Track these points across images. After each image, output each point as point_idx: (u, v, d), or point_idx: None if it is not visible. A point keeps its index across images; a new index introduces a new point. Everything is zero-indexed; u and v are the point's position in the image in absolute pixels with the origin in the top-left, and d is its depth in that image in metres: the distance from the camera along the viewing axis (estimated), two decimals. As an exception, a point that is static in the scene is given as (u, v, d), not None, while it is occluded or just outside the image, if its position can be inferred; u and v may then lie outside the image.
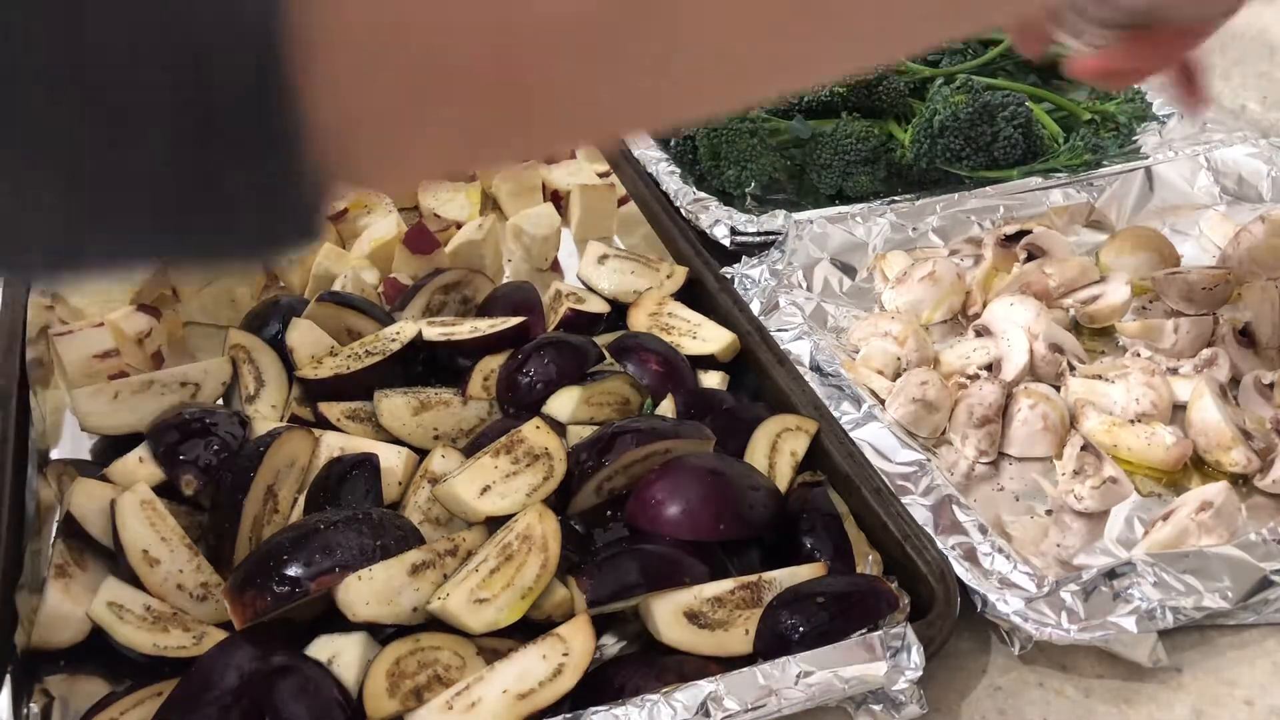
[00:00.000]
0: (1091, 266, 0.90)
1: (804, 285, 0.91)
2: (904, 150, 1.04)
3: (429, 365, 0.82)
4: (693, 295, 0.88)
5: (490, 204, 1.04)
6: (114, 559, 0.66)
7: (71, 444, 0.77)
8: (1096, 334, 0.88)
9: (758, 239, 0.94)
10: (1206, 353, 0.82)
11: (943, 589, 0.63)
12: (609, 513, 0.70)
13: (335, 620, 0.60)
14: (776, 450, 0.73)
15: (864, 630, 0.60)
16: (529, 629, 0.61)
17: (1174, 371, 0.82)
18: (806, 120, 1.06)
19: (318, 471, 0.70)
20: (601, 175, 1.03)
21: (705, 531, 0.66)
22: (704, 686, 0.57)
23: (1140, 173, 1.02)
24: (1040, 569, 0.67)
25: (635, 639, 0.64)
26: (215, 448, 0.71)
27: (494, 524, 0.66)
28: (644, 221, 0.99)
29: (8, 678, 0.60)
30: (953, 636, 0.62)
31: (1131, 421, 0.77)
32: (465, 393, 0.78)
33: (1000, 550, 0.66)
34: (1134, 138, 1.11)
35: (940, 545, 0.66)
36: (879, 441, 0.75)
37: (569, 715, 0.56)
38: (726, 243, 0.94)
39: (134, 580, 0.64)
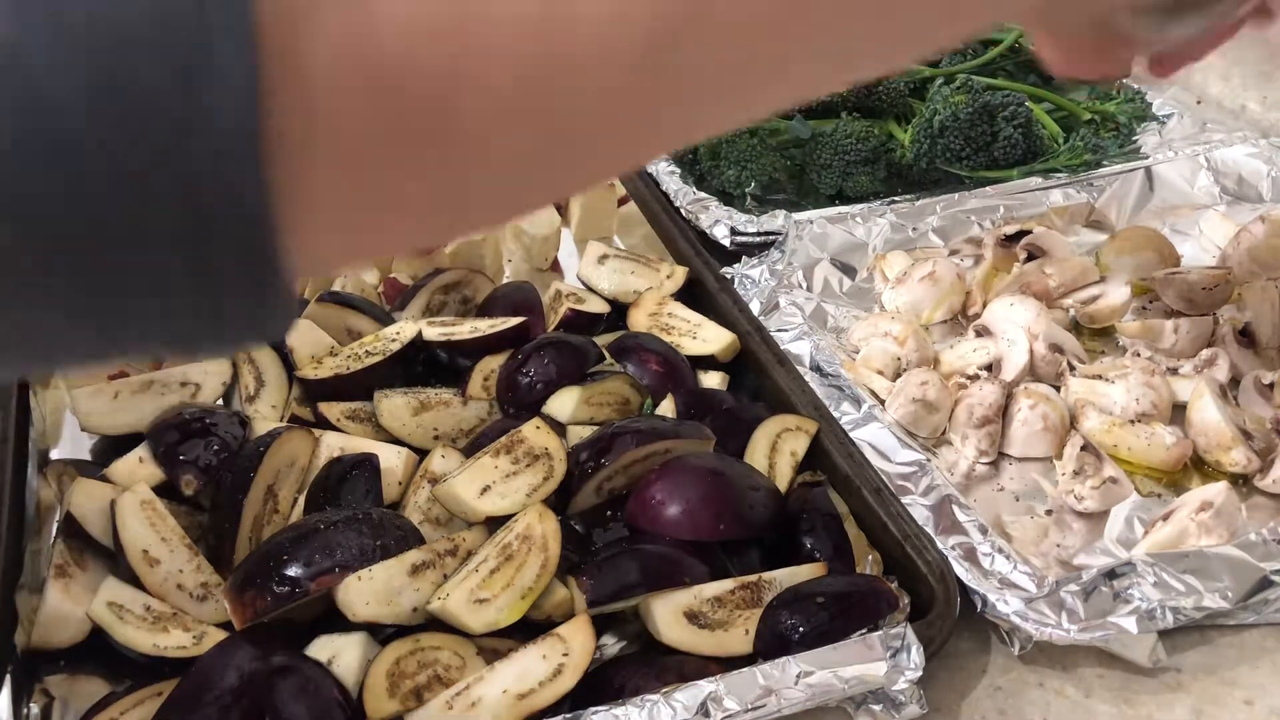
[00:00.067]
0: (1091, 266, 0.90)
1: (804, 285, 0.91)
2: (904, 150, 1.04)
3: (429, 365, 0.82)
4: (693, 295, 0.88)
5: (490, 204, 1.04)
6: (114, 559, 0.66)
7: (71, 444, 0.77)
8: (1096, 334, 0.88)
9: (758, 239, 0.94)
10: (1206, 353, 0.82)
11: (943, 589, 0.63)
12: (609, 513, 0.70)
13: (335, 620, 0.60)
14: (776, 450, 0.73)
15: (864, 630, 0.60)
16: (529, 629, 0.61)
17: (1174, 371, 0.82)
18: (806, 120, 1.06)
19: (318, 471, 0.70)
20: (601, 175, 1.03)
21: (705, 531, 0.66)
22: (704, 686, 0.57)
23: (1140, 173, 1.02)
24: (1040, 569, 0.67)
25: (635, 639, 0.64)
26: (215, 448, 0.71)
27: (494, 524, 0.66)
28: (644, 221, 0.99)
29: (8, 678, 0.60)
30: (953, 636, 0.62)
31: (1131, 421, 0.77)
32: (465, 393, 0.78)
33: (1000, 550, 0.66)
34: (1134, 138, 1.11)
35: (940, 545, 0.66)
36: (879, 441, 0.75)
37: (569, 715, 0.56)
38: (726, 243, 0.94)
39: (134, 580, 0.64)
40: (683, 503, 0.66)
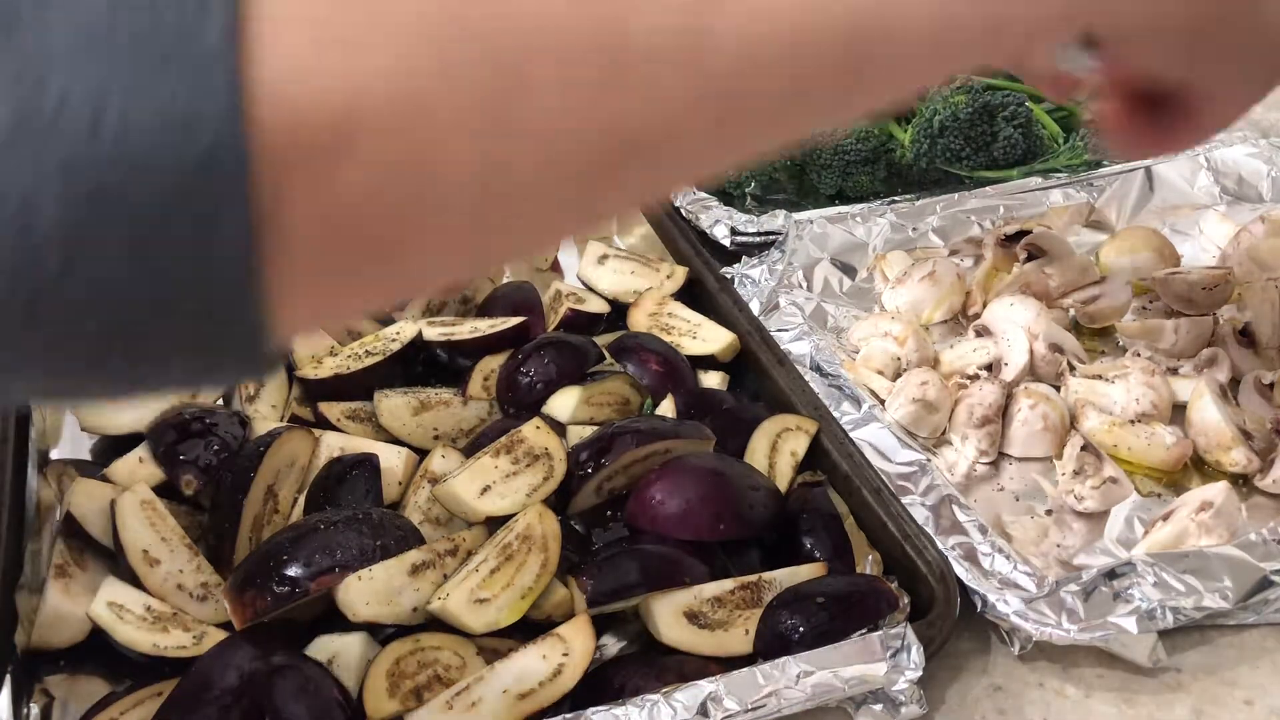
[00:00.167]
0: (1091, 266, 0.90)
1: (804, 285, 0.91)
2: (904, 150, 1.04)
3: (429, 365, 0.82)
4: (693, 295, 0.88)
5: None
6: (114, 559, 0.66)
7: (71, 444, 0.77)
8: (1096, 334, 0.88)
9: (758, 239, 0.94)
10: (1206, 353, 0.82)
11: (943, 589, 0.63)
12: (609, 513, 0.70)
13: (335, 620, 0.60)
14: (776, 450, 0.73)
15: (864, 630, 0.60)
16: (529, 629, 0.61)
17: (1174, 371, 0.82)
18: (806, 120, 1.06)
19: (318, 471, 0.70)
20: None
21: (705, 531, 0.66)
22: (704, 686, 0.57)
23: (1140, 173, 1.02)
24: (1040, 569, 0.67)
25: (635, 639, 0.64)
26: (215, 448, 0.71)
27: (494, 524, 0.66)
28: (644, 221, 0.99)
29: (8, 678, 0.60)
30: (953, 636, 0.62)
31: (1131, 421, 0.77)
32: (465, 393, 0.78)
33: (1000, 550, 0.66)
34: (1134, 138, 1.10)
35: (940, 545, 0.66)
36: (879, 441, 0.75)
37: (569, 715, 0.56)
38: (726, 243, 0.94)
39: (134, 580, 0.64)
40: (683, 503, 0.66)
